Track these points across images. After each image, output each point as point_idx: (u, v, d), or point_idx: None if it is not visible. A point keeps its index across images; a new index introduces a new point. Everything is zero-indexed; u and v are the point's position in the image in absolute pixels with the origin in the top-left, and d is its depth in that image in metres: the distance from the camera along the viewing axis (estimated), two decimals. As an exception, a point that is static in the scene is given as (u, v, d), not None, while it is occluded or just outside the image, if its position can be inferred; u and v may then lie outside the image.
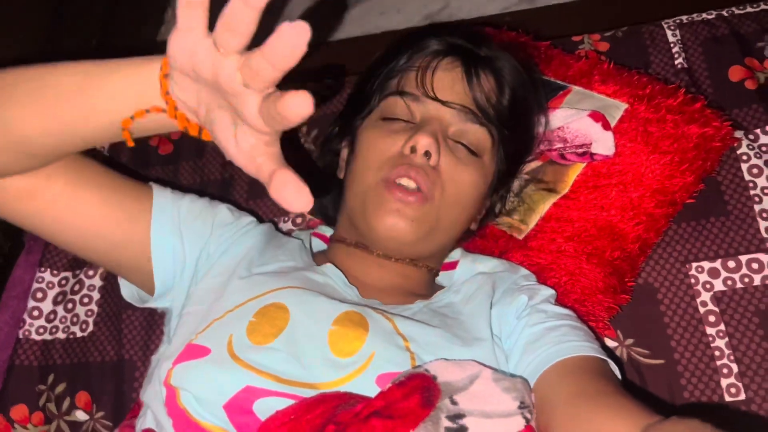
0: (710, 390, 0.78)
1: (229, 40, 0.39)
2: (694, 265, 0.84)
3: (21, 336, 0.96)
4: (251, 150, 0.42)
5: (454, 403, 0.55)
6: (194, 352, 0.60)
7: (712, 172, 0.87)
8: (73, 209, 0.64)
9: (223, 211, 0.76)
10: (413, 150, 0.69)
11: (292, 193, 0.40)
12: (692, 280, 0.83)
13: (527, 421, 0.55)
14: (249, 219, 0.78)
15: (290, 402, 0.56)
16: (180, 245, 0.70)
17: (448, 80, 0.73)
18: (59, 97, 0.53)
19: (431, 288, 0.78)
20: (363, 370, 0.59)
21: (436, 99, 0.72)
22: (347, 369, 0.59)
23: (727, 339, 0.79)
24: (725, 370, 0.78)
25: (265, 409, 0.56)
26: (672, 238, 0.86)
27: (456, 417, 0.53)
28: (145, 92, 0.49)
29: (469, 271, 0.77)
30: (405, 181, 0.68)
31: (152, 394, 0.62)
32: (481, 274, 0.75)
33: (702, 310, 0.82)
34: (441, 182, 0.70)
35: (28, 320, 0.97)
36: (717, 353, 0.79)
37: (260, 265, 0.71)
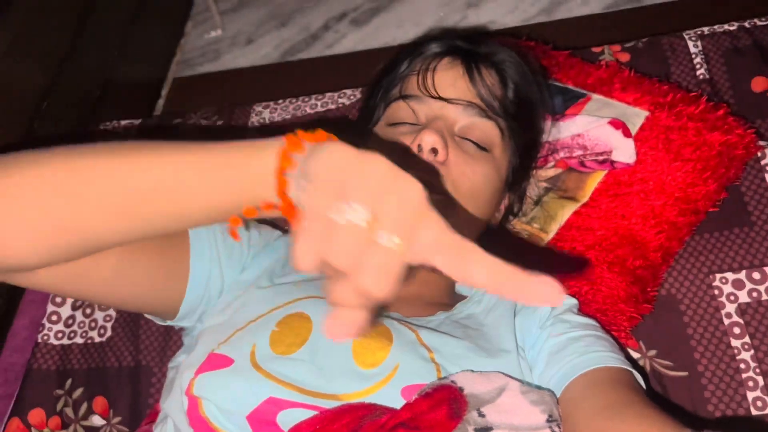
0: (735, 403, 0.76)
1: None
2: (718, 276, 0.83)
3: (40, 340, 0.96)
4: None
5: (481, 415, 0.53)
6: (217, 362, 0.59)
7: (736, 180, 0.86)
8: (124, 280, 0.62)
9: (254, 231, 0.76)
10: (420, 149, 0.68)
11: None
12: (716, 292, 0.82)
13: (555, 434, 0.54)
14: (275, 234, 0.78)
15: (314, 414, 0.55)
16: (218, 274, 0.69)
17: (449, 78, 0.73)
18: (139, 201, 0.47)
19: (451, 297, 0.77)
20: (388, 381, 0.58)
21: (439, 97, 0.72)
22: (372, 380, 0.58)
23: (752, 351, 0.78)
24: (751, 383, 0.77)
25: (288, 420, 0.55)
26: (695, 249, 0.85)
27: (484, 430, 0.52)
28: (253, 190, 0.44)
29: None
30: None
31: (173, 404, 0.61)
32: None
33: (726, 321, 0.80)
34: (450, 179, 0.69)
35: (47, 325, 0.97)
36: (742, 366, 0.78)
37: (283, 275, 0.71)
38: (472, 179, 0.70)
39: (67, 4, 1.27)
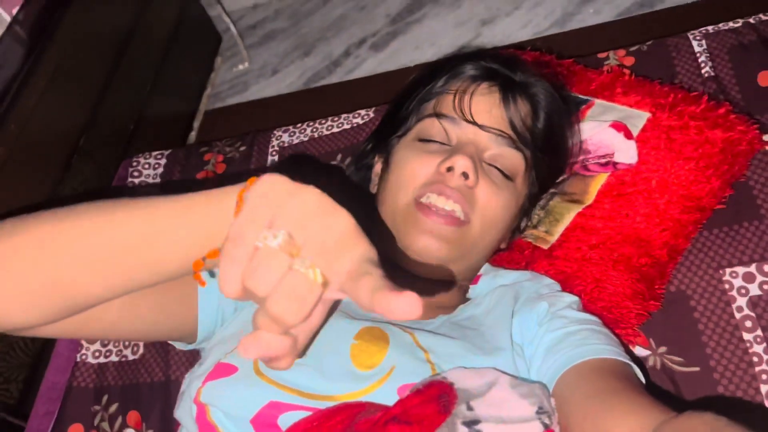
0: (749, 397, 0.75)
1: None
2: (728, 270, 0.82)
3: (78, 360, 1.02)
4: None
5: (470, 409, 0.55)
6: (223, 370, 0.63)
7: (741, 176, 0.86)
8: (132, 319, 0.64)
9: None
10: (450, 170, 0.70)
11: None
12: (726, 286, 0.81)
13: (546, 426, 0.55)
14: None
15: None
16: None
17: (485, 104, 0.74)
18: (120, 253, 0.48)
19: (456, 302, 0.79)
20: (384, 381, 0.60)
21: (474, 123, 0.73)
22: (369, 381, 0.61)
23: (765, 344, 0.77)
24: (764, 376, 0.76)
25: (289, 422, 0.58)
26: (704, 244, 0.85)
27: (472, 423, 0.54)
28: (218, 232, 0.44)
29: (491, 284, 0.78)
30: (441, 201, 0.69)
31: (184, 411, 0.65)
32: (502, 287, 0.76)
33: (738, 315, 0.80)
34: (479, 206, 0.71)
35: (85, 345, 1.03)
36: (755, 359, 0.77)
37: None
38: (497, 210, 0.72)
39: (103, 43, 1.36)
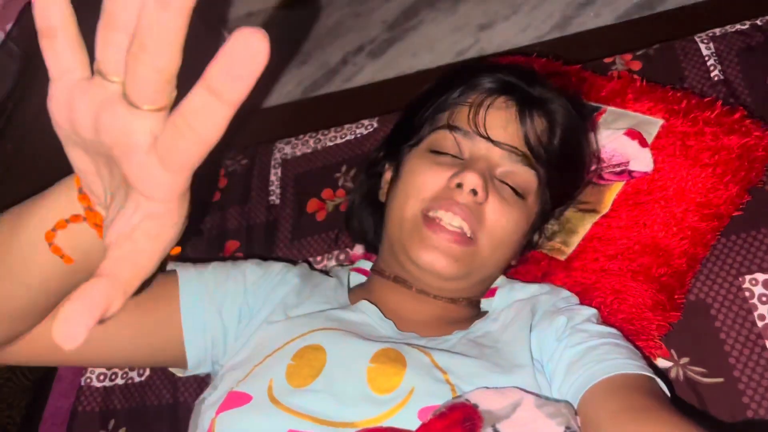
0: (775, 408, 0.74)
1: (114, 63, 0.32)
2: (748, 277, 0.81)
3: (83, 383, 0.99)
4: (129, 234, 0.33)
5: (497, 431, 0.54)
6: (236, 399, 0.61)
7: (758, 182, 0.85)
8: (107, 347, 0.65)
9: (250, 267, 0.76)
10: (459, 186, 0.68)
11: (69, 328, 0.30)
12: (747, 293, 0.80)
13: (575, 445, 0.54)
14: (278, 267, 0.79)
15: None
16: (215, 316, 0.70)
17: (501, 119, 0.73)
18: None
19: (471, 316, 0.77)
20: (404, 405, 0.59)
21: (488, 138, 0.71)
22: (388, 405, 0.59)
23: (789, 353, 0.76)
24: (790, 386, 0.74)
25: None
26: (722, 251, 0.84)
27: (500, 445, 0.53)
28: (66, 207, 0.45)
29: (507, 299, 0.76)
30: (448, 217, 0.68)
31: None
32: (519, 301, 0.75)
33: (760, 324, 0.78)
34: (487, 224, 0.69)
35: (89, 368, 1.00)
36: (780, 368, 0.76)
37: (295, 307, 0.72)
38: (506, 228, 0.71)
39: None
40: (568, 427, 0.55)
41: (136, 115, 0.31)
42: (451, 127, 0.73)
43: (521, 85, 0.75)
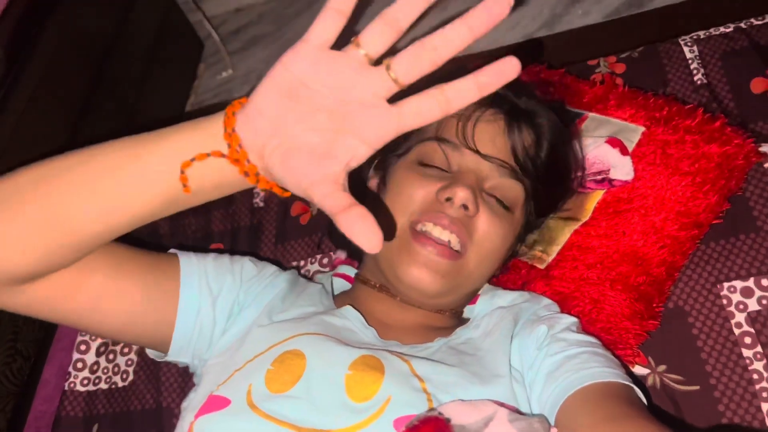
0: (750, 415, 0.75)
1: (382, 38, 0.43)
2: (726, 285, 0.81)
3: (67, 388, 1.00)
4: (337, 176, 0.45)
5: None
6: (215, 403, 0.62)
7: (738, 190, 0.85)
8: (112, 302, 0.65)
9: (248, 264, 0.77)
10: (449, 200, 0.68)
11: (365, 230, 0.42)
12: (725, 301, 0.81)
13: (545, 461, 0.55)
14: (272, 269, 0.79)
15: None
16: (209, 306, 0.71)
17: (489, 133, 0.73)
18: (109, 170, 0.52)
19: (453, 323, 0.78)
20: (380, 414, 0.59)
21: (476, 151, 0.71)
22: (364, 414, 0.59)
23: (765, 361, 0.76)
24: (765, 394, 0.75)
25: None
26: (701, 258, 0.84)
27: (470, 460, 0.53)
28: (204, 142, 0.49)
29: (489, 305, 0.77)
30: (437, 231, 0.68)
31: None
32: (501, 308, 0.75)
33: (737, 331, 0.79)
34: (477, 237, 0.70)
35: (73, 372, 1.01)
36: (755, 376, 0.76)
37: (280, 312, 0.73)
38: (495, 241, 0.71)
39: (83, 57, 1.33)
40: (539, 442, 0.55)
41: (386, 79, 0.44)
42: (440, 140, 0.73)
43: (509, 96, 0.75)
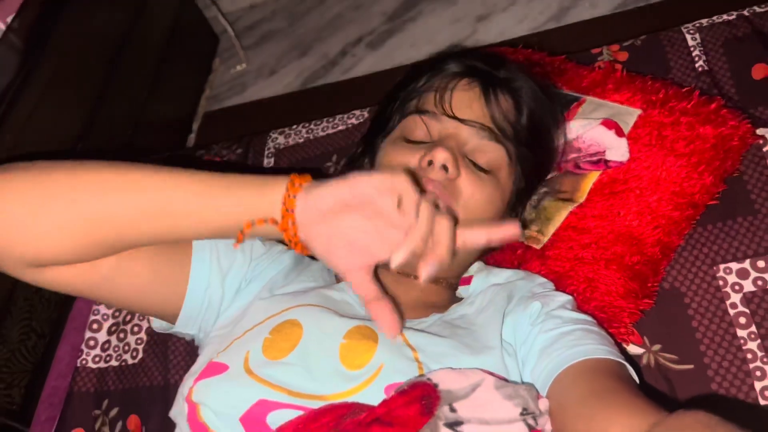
0: (743, 394, 0.75)
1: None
2: (722, 266, 0.82)
3: (79, 365, 1.03)
4: (370, 267, 0.57)
5: (453, 410, 0.55)
6: (214, 369, 0.64)
7: (734, 172, 0.85)
8: (127, 276, 0.67)
9: (257, 242, 0.79)
10: (430, 164, 0.70)
11: (387, 321, 0.57)
12: (720, 282, 0.81)
13: (530, 427, 0.56)
14: (280, 247, 0.81)
15: (300, 414, 0.59)
16: (218, 282, 0.73)
17: (466, 99, 0.75)
18: (170, 212, 0.58)
19: (449, 300, 0.79)
20: (372, 380, 0.61)
21: (454, 117, 0.73)
22: (356, 380, 0.61)
23: (759, 341, 0.77)
24: (758, 373, 0.75)
25: (277, 420, 0.59)
26: (698, 240, 0.85)
27: (454, 424, 0.54)
28: (264, 208, 0.57)
29: (484, 283, 0.78)
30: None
31: (177, 411, 0.66)
32: (495, 286, 0.76)
33: (732, 312, 0.79)
34: (462, 198, 0.71)
35: (85, 350, 1.04)
36: (749, 356, 0.77)
37: (282, 287, 0.75)
38: (479, 201, 0.72)
39: (99, 48, 1.37)
40: (525, 408, 0.56)
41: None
42: (420, 111, 0.75)
43: (485, 67, 0.77)
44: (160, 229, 0.59)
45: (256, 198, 0.57)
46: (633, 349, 0.81)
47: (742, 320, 0.78)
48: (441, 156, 0.69)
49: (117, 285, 0.67)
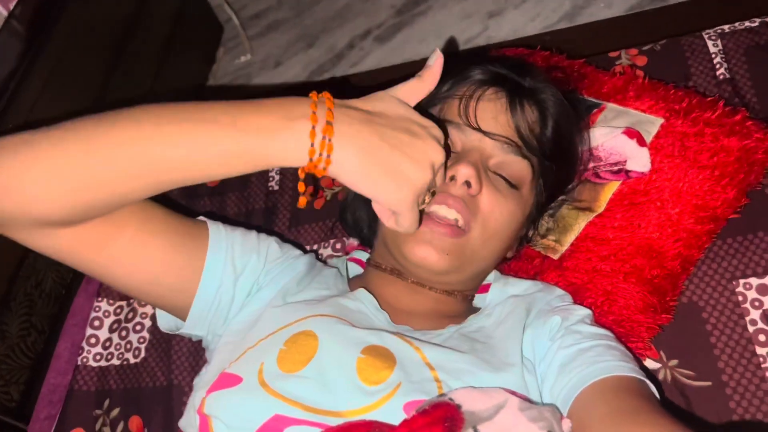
0: (762, 413, 0.74)
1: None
2: (742, 281, 0.80)
3: (79, 363, 1.01)
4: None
5: None
6: (227, 380, 0.62)
7: (757, 185, 0.83)
8: (140, 258, 0.66)
9: (273, 245, 0.77)
10: (452, 179, 0.68)
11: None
12: (740, 298, 0.80)
13: (556, 450, 0.54)
14: (296, 252, 0.80)
15: (317, 430, 0.57)
16: (230, 282, 0.71)
17: (491, 111, 0.72)
18: (168, 167, 0.55)
19: (465, 311, 0.77)
20: (390, 397, 0.59)
21: (479, 129, 0.71)
22: (374, 396, 0.59)
23: (779, 359, 0.76)
24: (778, 393, 0.74)
25: None
26: (717, 254, 0.83)
27: (479, 446, 0.53)
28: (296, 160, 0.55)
29: (501, 294, 0.77)
30: (443, 210, 0.68)
31: (187, 422, 0.64)
32: (514, 297, 0.75)
33: (751, 329, 0.78)
34: (481, 215, 0.69)
35: (86, 348, 1.02)
36: (768, 375, 0.75)
37: (295, 294, 0.73)
38: (500, 219, 0.71)
39: (103, 36, 1.34)
40: (550, 431, 0.55)
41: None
42: (443, 121, 0.73)
43: (512, 76, 0.75)
44: (157, 187, 0.57)
45: (292, 138, 0.54)
46: (649, 363, 0.80)
47: (762, 338, 0.77)
48: (464, 172, 0.67)
49: (130, 265, 0.66)
